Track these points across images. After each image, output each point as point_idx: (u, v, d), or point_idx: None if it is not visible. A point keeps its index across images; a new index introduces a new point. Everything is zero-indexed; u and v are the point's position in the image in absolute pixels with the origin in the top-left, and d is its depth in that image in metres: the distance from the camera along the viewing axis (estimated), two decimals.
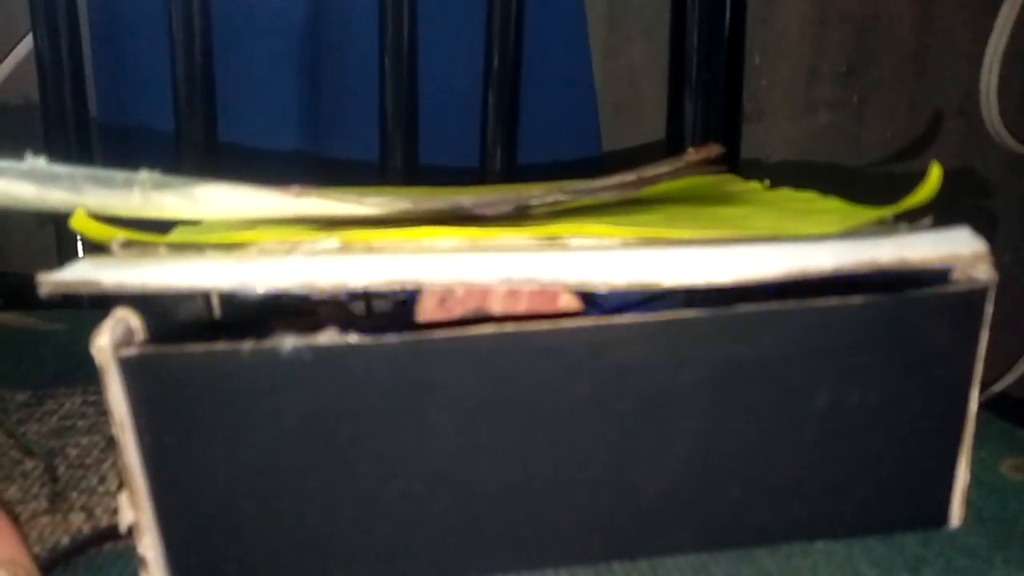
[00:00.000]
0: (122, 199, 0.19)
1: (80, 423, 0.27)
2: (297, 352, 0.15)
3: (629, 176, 0.26)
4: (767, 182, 0.28)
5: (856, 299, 0.16)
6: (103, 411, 0.28)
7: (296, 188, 0.20)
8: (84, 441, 0.25)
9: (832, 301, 0.16)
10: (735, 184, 0.30)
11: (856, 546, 0.19)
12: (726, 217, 0.21)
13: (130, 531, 0.17)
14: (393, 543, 0.18)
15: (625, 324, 0.16)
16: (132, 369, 0.16)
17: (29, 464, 0.24)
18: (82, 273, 0.16)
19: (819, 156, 0.61)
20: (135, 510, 0.17)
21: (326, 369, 0.16)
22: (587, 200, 0.23)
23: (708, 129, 0.45)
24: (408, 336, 0.16)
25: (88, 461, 0.24)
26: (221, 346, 0.15)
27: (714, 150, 0.30)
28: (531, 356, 0.16)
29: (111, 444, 0.26)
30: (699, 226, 0.19)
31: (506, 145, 0.45)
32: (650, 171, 0.27)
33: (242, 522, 0.17)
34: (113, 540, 0.20)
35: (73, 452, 0.25)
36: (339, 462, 0.17)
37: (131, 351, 0.15)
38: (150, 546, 0.17)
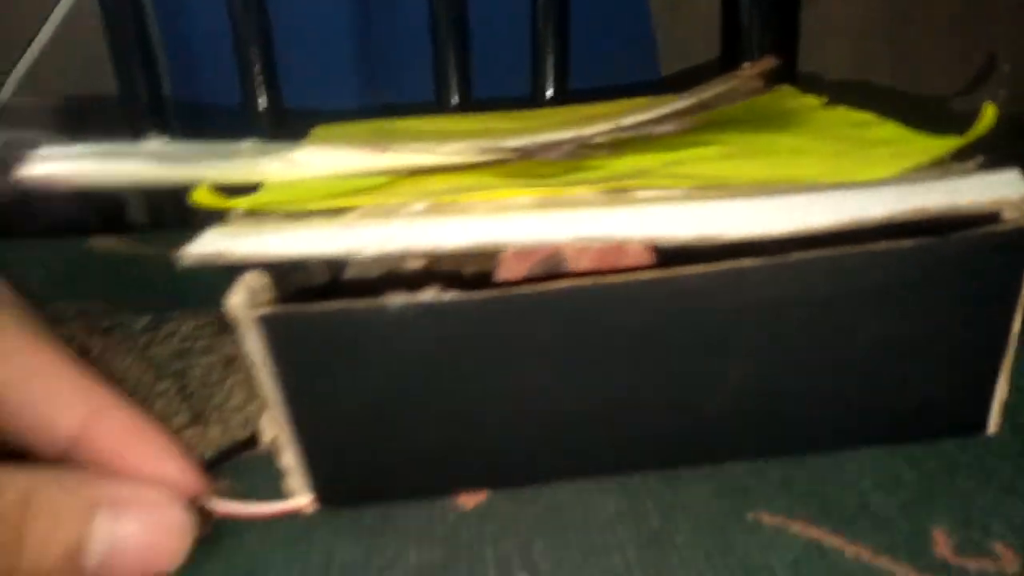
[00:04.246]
0: (231, 169, 0.21)
1: (197, 345, 0.30)
2: (404, 308, 0.18)
3: (685, 101, 0.26)
4: (824, 99, 0.29)
5: (907, 243, 0.18)
6: (216, 333, 0.31)
7: (380, 145, 0.22)
8: (204, 362, 0.29)
9: (883, 245, 0.18)
10: (792, 99, 0.30)
11: (899, 450, 0.21)
12: (781, 150, 0.22)
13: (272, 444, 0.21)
14: (491, 456, 0.21)
15: (691, 275, 0.18)
16: (266, 325, 0.18)
17: (162, 385, 0.28)
18: (215, 246, 0.18)
19: (878, 38, 0.58)
20: (276, 430, 0.20)
21: (429, 322, 0.18)
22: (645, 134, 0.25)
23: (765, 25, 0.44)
24: (495, 292, 0.18)
25: (212, 380, 0.28)
26: (339, 304, 0.18)
27: (769, 64, 0.30)
28: (605, 305, 0.18)
29: (229, 364, 0.29)
30: (755, 166, 0.20)
31: (559, 73, 0.46)
32: (707, 92, 0.27)
33: (365, 441, 0.20)
34: (252, 450, 0.23)
35: (197, 372, 0.28)
36: (442, 395, 0.19)
37: (263, 310, 0.18)
38: (290, 457, 0.20)
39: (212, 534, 0.20)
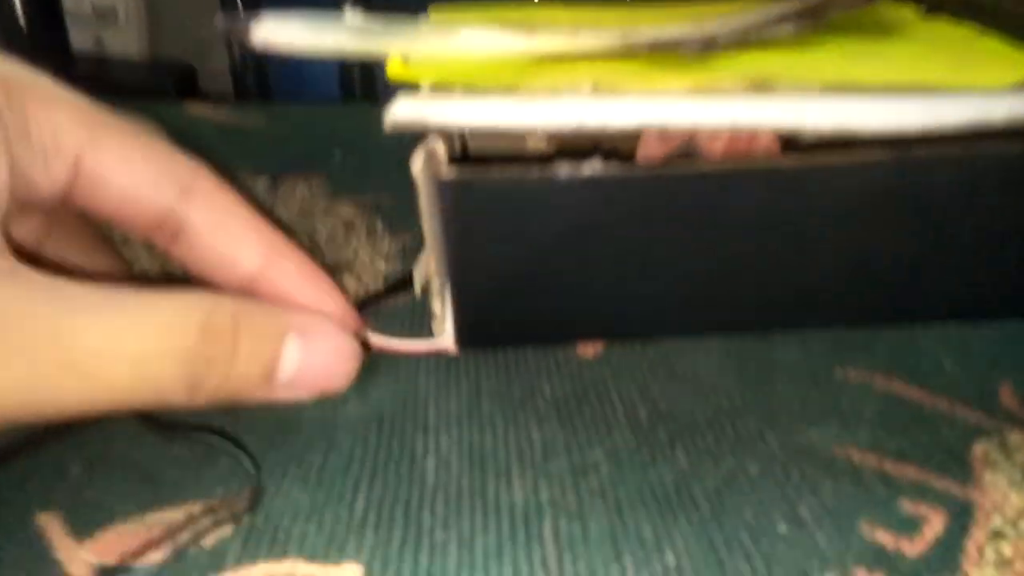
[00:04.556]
0: (409, 43, 0.23)
1: (317, 207, 0.33)
2: (570, 177, 0.20)
3: (796, 5, 0.28)
4: (923, 8, 0.30)
5: (1018, 146, 0.20)
6: (331, 197, 0.34)
7: (528, 29, 0.24)
8: (327, 222, 0.32)
9: (996, 146, 0.20)
10: (889, 10, 0.31)
11: (966, 326, 0.24)
12: (898, 56, 0.24)
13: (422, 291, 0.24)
14: (611, 312, 0.24)
15: (818, 166, 0.20)
16: (446, 187, 0.21)
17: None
18: (414, 113, 0.20)
19: None
20: (433, 279, 0.23)
21: (590, 190, 0.21)
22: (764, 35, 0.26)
23: None
24: (651, 169, 0.21)
25: (339, 239, 0.30)
26: (512, 171, 0.20)
27: None
28: (738, 185, 0.21)
29: (350, 226, 0.32)
30: (878, 69, 0.22)
31: None
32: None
33: (507, 293, 0.23)
34: (393, 296, 0.27)
35: (323, 232, 0.31)
36: (582, 256, 0.22)
37: (446, 173, 0.20)
38: (440, 304, 0.23)
39: (371, 364, 0.24)
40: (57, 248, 0.23)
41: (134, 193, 0.21)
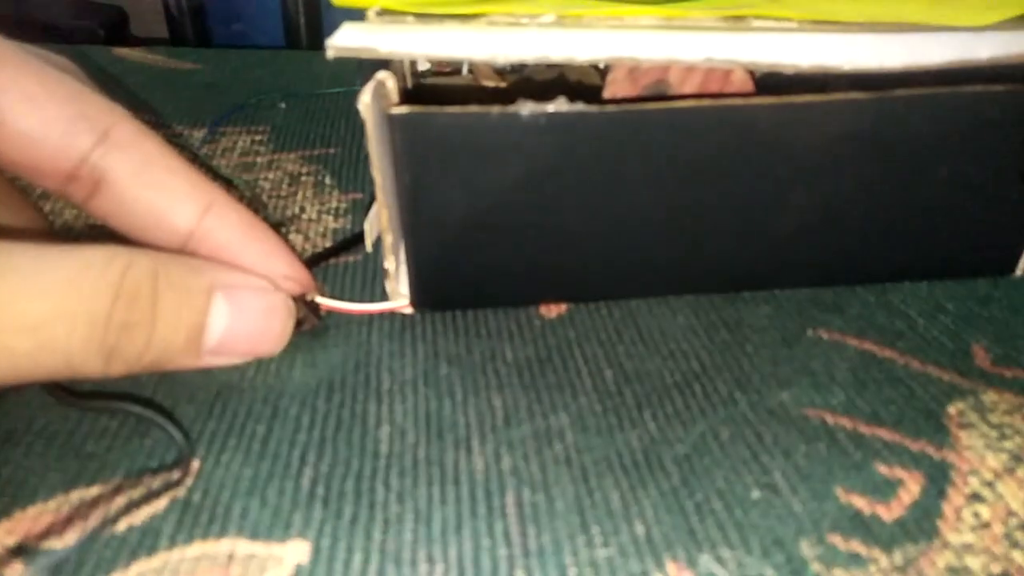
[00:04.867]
0: None
1: (259, 160, 0.30)
2: (534, 116, 0.19)
3: None
4: None
5: (999, 87, 0.19)
6: (275, 149, 0.32)
7: None
8: (270, 176, 0.29)
9: (978, 88, 0.19)
10: None
11: (938, 285, 0.24)
12: None
13: (374, 247, 0.22)
14: (574, 271, 0.22)
15: (795, 105, 0.19)
16: (397, 124, 0.19)
17: (233, 195, 0.28)
18: (360, 41, 0.18)
19: None
20: (384, 233, 0.21)
21: (555, 130, 0.19)
22: None
23: None
24: (620, 107, 0.19)
25: (282, 193, 0.28)
26: (474, 109, 0.19)
27: None
28: (708, 125, 0.20)
29: (295, 180, 0.30)
30: (856, 6, 0.21)
31: None
32: None
33: (465, 249, 0.21)
34: (343, 254, 0.25)
35: (266, 185, 0.29)
36: (553, 202, 0.21)
37: (396, 110, 0.19)
38: (393, 261, 0.22)
39: (322, 327, 0.22)
40: None
41: (41, 137, 0.18)
